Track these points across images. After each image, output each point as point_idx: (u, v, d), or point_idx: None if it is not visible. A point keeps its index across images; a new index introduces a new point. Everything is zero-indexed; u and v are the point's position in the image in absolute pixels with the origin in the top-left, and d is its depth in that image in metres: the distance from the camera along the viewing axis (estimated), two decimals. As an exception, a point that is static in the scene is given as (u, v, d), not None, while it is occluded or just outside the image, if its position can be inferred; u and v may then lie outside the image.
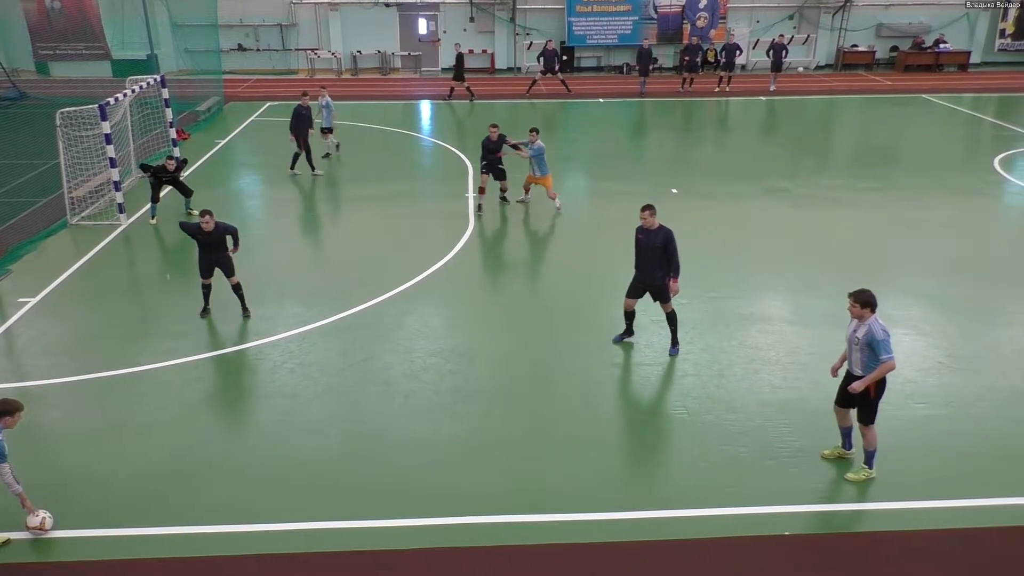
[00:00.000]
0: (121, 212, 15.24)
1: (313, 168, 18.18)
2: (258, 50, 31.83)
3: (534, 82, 27.94)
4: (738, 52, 29.12)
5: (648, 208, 9.95)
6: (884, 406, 9.20)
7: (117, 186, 15.25)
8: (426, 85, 29.61)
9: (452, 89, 26.68)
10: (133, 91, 17.10)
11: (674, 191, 17.20)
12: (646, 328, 11.15)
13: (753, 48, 32.10)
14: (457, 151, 20.10)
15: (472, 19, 31.91)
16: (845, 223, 15.33)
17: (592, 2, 30.92)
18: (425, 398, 9.43)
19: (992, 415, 9.00)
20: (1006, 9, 32.01)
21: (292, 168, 18.08)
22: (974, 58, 32.67)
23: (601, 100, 27.34)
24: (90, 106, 15.09)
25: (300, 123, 17.69)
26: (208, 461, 8.24)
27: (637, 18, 31.32)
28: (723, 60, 28.78)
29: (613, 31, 31.56)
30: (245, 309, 11.38)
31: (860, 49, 32.52)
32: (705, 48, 31.17)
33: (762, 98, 27.49)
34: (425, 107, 26.59)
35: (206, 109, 24.28)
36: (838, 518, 7.46)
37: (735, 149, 21.63)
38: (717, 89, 28.24)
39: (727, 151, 21.50)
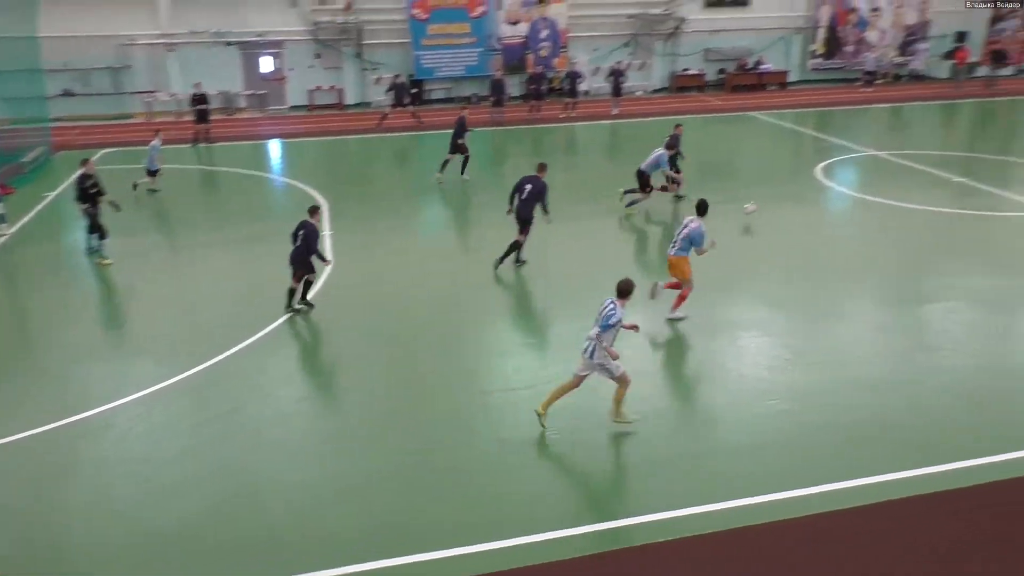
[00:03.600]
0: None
1: None
2: (89, 95, 30.06)
3: (385, 116, 27.92)
4: (580, 79, 30.29)
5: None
6: (740, 404, 9.78)
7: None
8: (274, 124, 28.96)
9: (197, 134, 25.36)
10: (-55, 144, 15.74)
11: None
12: (515, 353, 11.34)
13: (594, 74, 33.49)
14: (310, 189, 19.74)
15: (318, 55, 31.57)
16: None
17: (437, 35, 31.34)
18: (296, 444, 9.14)
19: (838, 405, 9.73)
20: (815, 32, 35.08)
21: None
22: (792, 77, 35.53)
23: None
24: None
25: None
26: (58, 545, 7.60)
27: (482, 49, 31.99)
28: (567, 87, 29.87)
29: (460, 63, 32.08)
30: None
31: (691, 72, 34.63)
32: (550, 76, 32.23)
33: (606, 122, 28.69)
34: (274, 146, 25.98)
35: (31, 160, 22.63)
36: (706, 519, 7.76)
37: (584, 172, 22.42)
38: (563, 115, 29.23)
39: (577, 174, 22.24)
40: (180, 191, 19.91)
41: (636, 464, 8.63)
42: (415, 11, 30.92)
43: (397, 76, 28.63)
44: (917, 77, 36.12)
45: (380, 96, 30.52)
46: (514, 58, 32.31)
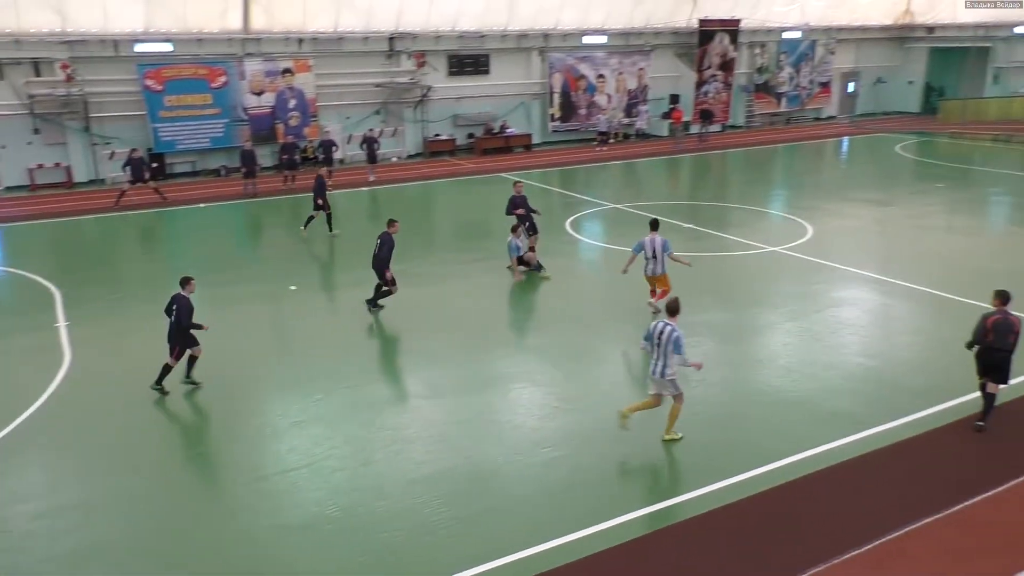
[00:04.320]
0: None
1: None
2: None
3: (123, 193, 25.91)
4: (334, 147, 30.21)
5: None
6: (516, 456, 10.02)
7: None
8: (-12, 207, 25.81)
9: None
10: None
11: (293, 288, 17.09)
12: (287, 431, 10.82)
13: (348, 143, 33.58)
14: (38, 278, 17.71)
15: (37, 131, 28.71)
16: (456, 295, 16.59)
17: (176, 107, 29.81)
18: (34, 571, 7.96)
19: (604, 443, 10.28)
20: (551, 97, 37.89)
21: None
22: (535, 139, 37.95)
23: (203, 205, 26.29)
24: None
25: None
26: None
27: (228, 120, 30.91)
28: (322, 156, 29.61)
29: (204, 135, 30.72)
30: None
31: (442, 138, 35.85)
32: (303, 145, 31.81)
33: (364, 189, 28.77)
34: (-10, 232, 23.07)
35: None
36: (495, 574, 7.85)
37: (347, 240, 22.18)
38: (320, 184, 28.85)
39: (342, 243, 21.97)
40: None
41: (413, 533, 8.49)
42: (148, 82, 29.25)
43: (134, 150, 26.75)
44: (642, 136, 40.13)
45: (116, 172, 28.38)
46: (263, 128, 31.55)
